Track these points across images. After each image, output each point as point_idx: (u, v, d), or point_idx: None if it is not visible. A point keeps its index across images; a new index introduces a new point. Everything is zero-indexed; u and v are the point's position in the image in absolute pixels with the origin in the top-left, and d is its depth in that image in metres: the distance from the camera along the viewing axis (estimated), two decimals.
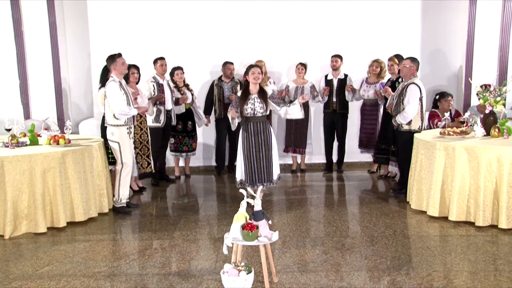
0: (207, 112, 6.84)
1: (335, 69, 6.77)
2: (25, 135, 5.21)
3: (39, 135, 5.17)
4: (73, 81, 7.04)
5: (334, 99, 6.79)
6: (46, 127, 5.47)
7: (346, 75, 6.81)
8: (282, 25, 7.20)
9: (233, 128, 5.26)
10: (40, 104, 6.61)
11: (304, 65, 6.85)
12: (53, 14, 6.54)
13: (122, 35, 7.05)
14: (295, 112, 5.10)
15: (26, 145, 4.87)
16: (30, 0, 6.45)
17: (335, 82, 6.79)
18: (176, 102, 6.34)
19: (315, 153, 7.29)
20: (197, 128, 6.82)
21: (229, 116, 5.13)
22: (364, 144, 6.87)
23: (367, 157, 7.12)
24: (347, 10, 7.18)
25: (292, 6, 7.18)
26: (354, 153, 7.14)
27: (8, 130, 5.04)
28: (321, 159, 7.30)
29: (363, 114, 6.82)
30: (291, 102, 6.80)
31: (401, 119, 5.18)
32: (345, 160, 7.08)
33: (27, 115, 6.56)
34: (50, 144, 4.83)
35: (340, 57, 6.76)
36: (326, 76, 6.90)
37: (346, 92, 6.72)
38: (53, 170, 4.44)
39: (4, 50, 6.47)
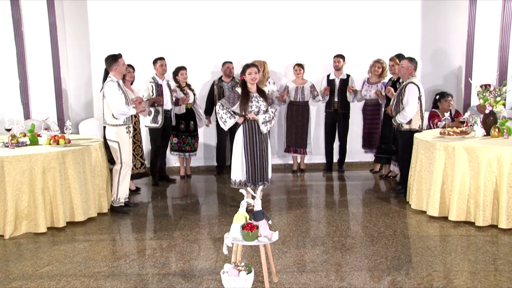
0: (207, 112, 6.85)
1: (337, 69, 6.77)
2: (25, 135, 5.21)
3: (39, 135, 5.16)
4: (73, 81, 7.03)
5: (336, 99, 6.79)
6: (46, 127, 5.47)
7: (348, 76, 6.80)
8: (282, 25, 7.20)
9: (226, 128, 5.05)
10: (40, 104, 6.61)
11: (301, 66, 6.83)
12: (53, 14, 6.54)
13: (122, 35, 7.04)
14: (261, 124, 4.95)
15: (26, 145, 4.87)
16: (30, 0, 6.45)
17: (337, 82, 6.78)
18: (176, 103, 6.34)
19: (315, 153, 7.30)
20: (198, 128, 6.83)
21: (230, 121, 4.92)
22: (367, 144, 6.87)
23: (368, 157, 7.13)
24: (347, 10, 7.18)
25: (293, 6, 7.17)
26: (354, 153, 7.15)
27: (8, 130, 5.04)
28: (321, 159, 7.30)
29: (365, 114, 6.83)
30: (291, 102, 6.85)
31: (401, 119, 5.19)
32: (345, 160, 7.07)
33: (27, 115, 6.56)
34: (50, 144, 4.83)
35: (342, 57, 6.75)
36: (328, 76, 6.89)
37: (348, 93, 6.73)
38: (53, 170, 4.44)
39: (4, 50, 6.47)
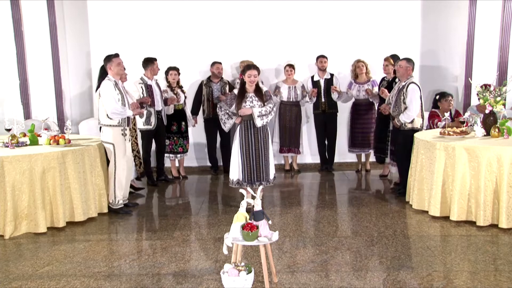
0: (194, 112, 6.82)
1: (323, 69, 6.77)
2: (25, 135, 5.21)
3: (39, 135, 5.16)
4: (73, 81, 7.04)
5: (323, 100, 6.79)
6: (46, 127, 5.47)
7: (332, 75, 6.81)
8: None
9: (227, 129, 5.20)
10: (40, 104, 6.62)
11: (292, 66, 6.80)
12: (53, 14, 6.55)
13: (121, 35, 7.04)
14: (257, 117, 4.94)
15: (26, 145, 4.86)
16: (30, 0, 6.46)
17: (322, 83, 6.78)
18: (165, 103, 6.31)
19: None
20: (189, 129, 6.82)
21: (229, 122, 5.06)
22: (357, 144, 6.83)
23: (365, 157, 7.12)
24: (347, 10, 7.16)
25: (291, 6, 7.15)
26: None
27: (8, 130, 5.04)
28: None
29: (357, 113, 6.78)
30: (283, 103, 6.84)
31: (405, 118, 5.20)
32: (344, 160, 7.09)
33: (27, 115, 6.56)
34: (50, 144, 4.83)
35: (326, 57, 6.75)
36: (312, 77, 6.88)
37: (332, 93, 6.73)
38: (53, 170, 4.44)
39: (4, 50, 6.47)
